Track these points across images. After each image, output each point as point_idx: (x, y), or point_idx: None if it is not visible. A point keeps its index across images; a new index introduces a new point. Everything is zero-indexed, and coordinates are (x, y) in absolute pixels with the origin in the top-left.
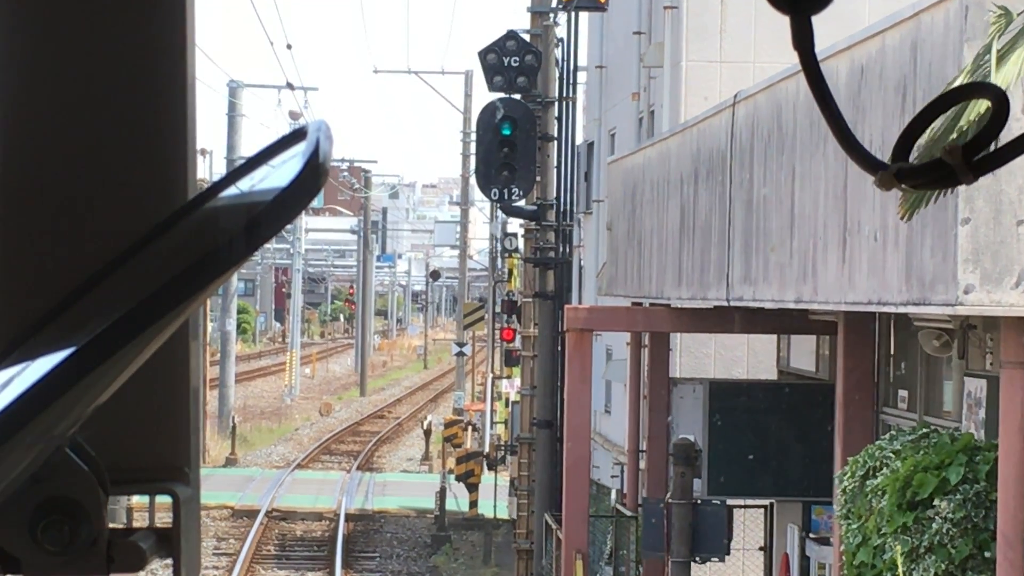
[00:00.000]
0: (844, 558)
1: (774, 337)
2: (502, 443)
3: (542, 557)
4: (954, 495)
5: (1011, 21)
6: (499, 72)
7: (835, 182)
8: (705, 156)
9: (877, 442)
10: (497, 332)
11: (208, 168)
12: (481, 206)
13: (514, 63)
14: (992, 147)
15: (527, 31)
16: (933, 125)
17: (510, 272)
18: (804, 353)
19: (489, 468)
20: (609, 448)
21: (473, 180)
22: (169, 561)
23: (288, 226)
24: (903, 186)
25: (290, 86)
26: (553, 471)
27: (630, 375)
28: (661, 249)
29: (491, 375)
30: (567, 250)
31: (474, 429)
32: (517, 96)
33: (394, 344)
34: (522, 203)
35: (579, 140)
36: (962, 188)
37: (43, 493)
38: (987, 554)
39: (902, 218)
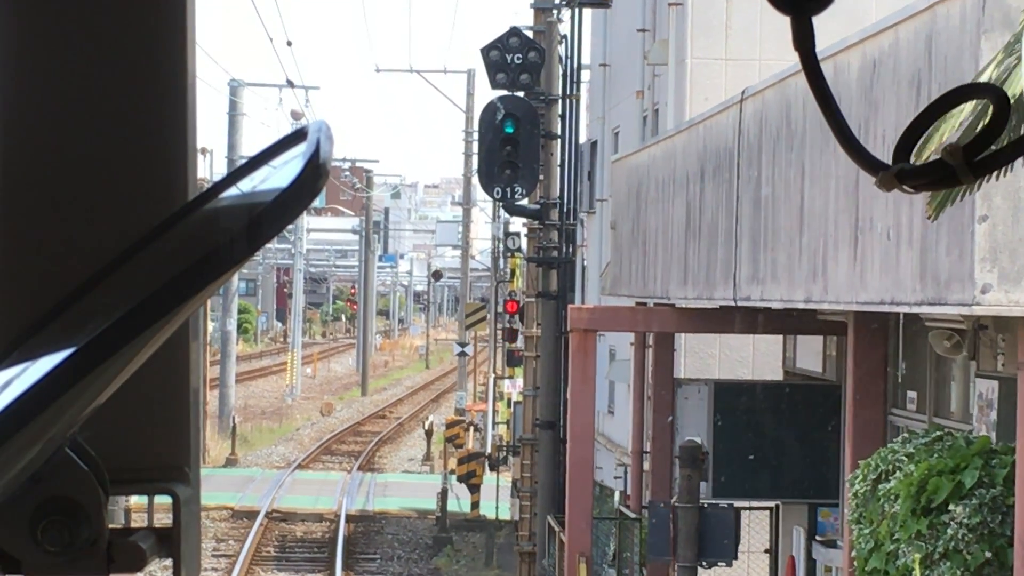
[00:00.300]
0: (855, 564)
1: (780, 337)
2: (504, 443)
3: (544, 558)
4: (970, 500)
5: None
6: (502, 69)
7: (846, 179)
8: (712, 153)
9: (889, 445)
10: (499, 332)
11: (209, 167)
12: (483, 206)
13: (517, 60)
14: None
15: (530, 27)
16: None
17: (513, 272)
18: (810, 353)
19: (491, 469)
20: (612, 449)
21: (476, 179)
22: (169, 561)
23: (289, 226)
24: (904, 187)
25: (290, 83)
26: (556, 472)
27: (634, 376)
28: (666, 248)
29: (493, 375)
30: (570, 250)
31: (476, 429)
32: (520, 93)
33: (396, 344)
34: (525, 202)
35: (582, 139)
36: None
37: (43, 493)
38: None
39: (929, 217)
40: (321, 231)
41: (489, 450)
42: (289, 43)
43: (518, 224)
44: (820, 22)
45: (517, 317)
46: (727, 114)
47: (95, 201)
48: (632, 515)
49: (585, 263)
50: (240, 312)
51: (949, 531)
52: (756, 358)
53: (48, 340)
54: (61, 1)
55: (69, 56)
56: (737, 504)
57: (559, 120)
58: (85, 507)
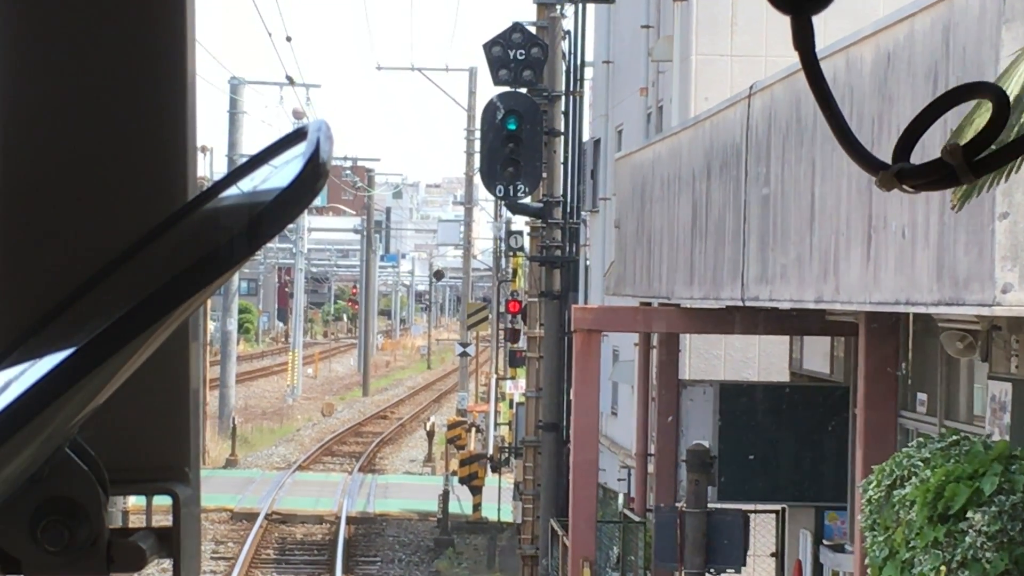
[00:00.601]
0: (869, 572)
1: (786, 338)
2: (506, 445)
3: (546, 560)
4: (989, 507)
5: None
6: (504, 65)
7: (859, 175)
8: (719, 150)
9: (904, 450)
10: (501, 332)
11: (209, 166)
12: (485, 206)
13: (520, 56)
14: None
15: (533, 23)
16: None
17: (515, 271)
18: (817, 354)
19: (493, 470)
20: (616, 451)
21: (478, 178)
22: (169, 562)
23: (290, 226)
24: (904, 187)
25: (290, 80)
26: (559, 475)
27: (638, 377)
28: (672, 247)
29: (495, 376)
30: (573, 249)
31: (478, 431)
32: (523, 90)
33: (397, 344)
34: (527, 200)
35: (586, 136)
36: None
37: (43, 493)
38: None
39: (953, 208)
40: (322, 231)
41: (491, 452)
42: (288, 38)
43: (520, 223)
44: (826, 21)
45: (519, 317)
46: (735, 110)
47: (95, 201)
48: (636, 518)
49: (588, 262)
50: (241, 312)
51: (967, 539)
52: (762, 359)
53: (48, 340)
54: (61, 1)
55: (69, 56)
56: (743, 507)
57: (562, 117)
58: (85, 507)
